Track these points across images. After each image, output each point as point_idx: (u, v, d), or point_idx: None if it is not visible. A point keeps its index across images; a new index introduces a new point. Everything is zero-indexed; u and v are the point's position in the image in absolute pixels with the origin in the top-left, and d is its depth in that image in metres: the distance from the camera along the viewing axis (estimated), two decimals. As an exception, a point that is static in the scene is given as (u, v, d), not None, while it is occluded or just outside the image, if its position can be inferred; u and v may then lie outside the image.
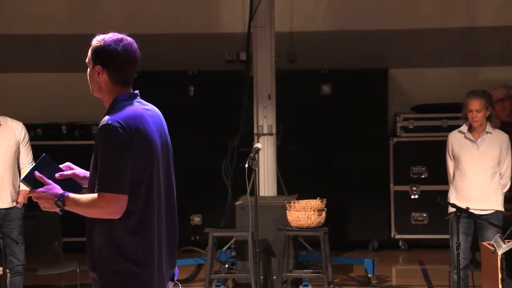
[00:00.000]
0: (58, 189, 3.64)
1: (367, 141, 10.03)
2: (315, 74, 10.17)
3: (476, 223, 6.68)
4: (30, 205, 7.09)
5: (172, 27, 10.60)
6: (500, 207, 6.73)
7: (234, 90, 9.28)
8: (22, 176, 3.72)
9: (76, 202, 3.59)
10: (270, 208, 7.93)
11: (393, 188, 10.11)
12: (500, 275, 5.48)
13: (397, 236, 10.13)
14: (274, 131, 8.58)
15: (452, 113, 9.58)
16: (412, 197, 10.09)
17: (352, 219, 10.11)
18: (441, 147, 7.12)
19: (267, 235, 7.83)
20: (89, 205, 3.56)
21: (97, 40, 3.73)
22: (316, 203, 7.68)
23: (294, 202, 7.73)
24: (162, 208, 3.70)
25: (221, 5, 10.82)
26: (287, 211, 7.69)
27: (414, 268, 9.33)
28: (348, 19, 10.63)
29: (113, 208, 3.53)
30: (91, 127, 10.10)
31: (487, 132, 6.74)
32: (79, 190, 3.70)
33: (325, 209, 7.71)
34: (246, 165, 6.36)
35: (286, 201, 7.79)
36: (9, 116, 7.07)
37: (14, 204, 6.94)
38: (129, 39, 3.75)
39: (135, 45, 3.75)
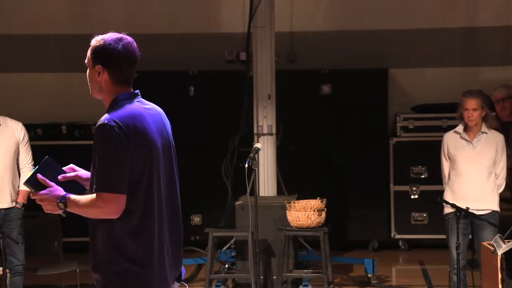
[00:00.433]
0: (60, 191, 3.64)
1: (367, 141, 10.03)
2: (315, 74, 10.17)
3: (472, 223, 6.68)
4: (30, 205, 7.10)
5: (172, 27, 10.60)
6: (497, 207, 6.73)
7: (234, 90, 9.28)
8: (25, 178, 3.71)
9: (76, 203, 3.59)
10: (270, 208, 7.93)
11: (393, 188, 10.11)
12: (500, 275, 5.47)
13: (397, 236, 10.13)
14: (274, 131, 8.58)
15: (452, 113, 9.47)
16: (412, 197, 10.09)
17: (352, 219, 10.11)
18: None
19: (267, 235, 7.82)
20: (88, 205, 3.56)
21: (97, 40, 3.72)
22: (316, 203, 7.68)
23: (294, 202, 7.73)
24: (163, 207, 3.68)
25: (221, 5, 10.82)
26: (287, 211, 7.69)
27: (414, 268, 9.33)
28: (348, 19, 10.63)
29: (111, 208, 3.52)
30: (91, 127, 10.09)
31: (482, 132, 6.74)
32: (82, 191, 3.70)
33: (325, 209, 7.71)
34: (246, 165, 6.36)
35: (286, 201, 7.78)
36: (9, 116, 7.08)
37: (14, 204, 6.94)
38: (129, 38, 3.73)
39: (134, 44, 3.74)
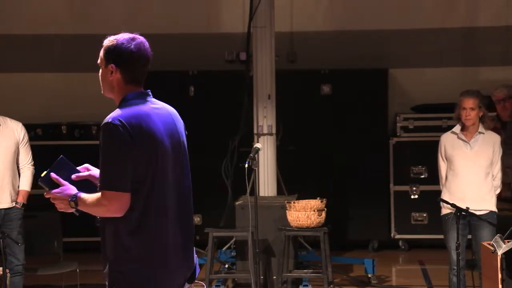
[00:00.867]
0: (72, 190, 3.68)
1: (367, 141, 10.03)
2: (315, 74, 10.17)
3: (470, 224, 6.68)
4: (30, 205, 7.11)
5: (172, 27, 10.60)
6: (494, 208, 6.73)
7: (234, 90, 9.28)
8: (40, 177, 3.74)
9: (84, 202, 3.63)
10: (270, 208, 7.93)
11: (393, 188, 10.11)
12: (500, 275, 5.47)
13: (397, 236, 10.13)
14: (274, 131, 8.58)
15: (452, 113, 9.50)
16: (412, 197, 10.09)
17: (352, 219, 10.11)
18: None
19: (267, 235, 7.82)
20: (94, 204, 3.59)
21: (109, 40, 3.74)
22: (316, 203, 7.68)
23: (294, 202, 7.73)
24: (168, 207, 3.68)
25: (221, 5, 10.83)
26: (287, 211, 7.68)
27: (414, 268, 9.33)
28: (348, 19, 10.63)
29: (114, 206, 3.55)
30: (91, 127, 10.09)
31: (480, 133, 6.74)
32: (95, 190, 3.72)
33: (325, 209, 7.71)
34: (246, 165, 6.36)
35: (286, 201, 7.78)
36: (9, 116, 7.08)
37: (14, 204, 6.94)
38: (141, 38, 3.77)
39: (147, 44, 3.78)
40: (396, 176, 10.09)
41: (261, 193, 8.35)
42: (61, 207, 3.68)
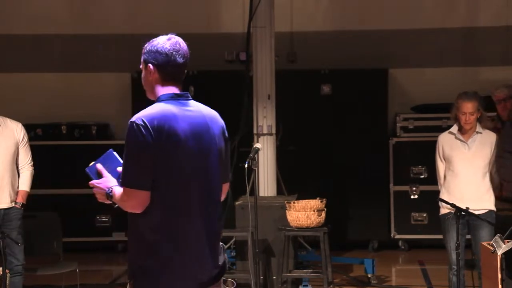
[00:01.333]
0: (111, 183, 3.75)
1: (367, 141, 10.03)
2: (315, 74, 10.17)
3: (469, 223, 6.68)
4: (29, 205, 7.11)
5: (172, 27, 10.49)
6: (493, 207, 6.73)
7: (234, 90, 9.28)
8: (88, 166, 3.79)
9: (115, 195, 3.71)
10: (270, 208, 7.93)
11: (393, 188, 10.12)
12: (500, 275, 5.47)
13: (397, 236, 10.14)
14: (274, 131, 8.59)
15: (452, 113, 9.58)
16: (412, 197, 10.10)
17: (352, 219, 10.11)
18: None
19: (267, 235, 7.82)
20: (120, 198, 3.68)
21: (148, 42, 3.86)
22: (316, 203, 7.68)
23: (294, 202, 7.72)
24: (190, 207, 3.70)
25: (221, 5, 10.83)
26: (287, 211, 7.68)
27: (414, 268, 9.33)
28: (348, 19, 10.63)
29: (132, 202, 3.63)
30: (91, 127, 10.08)
31: (477, 133, 6.74)
32: None
33: (325, 209, 7.71)
34: (246, 165, 6.36)
35: (286, 201, 7.78)
36: (9, 116, 7.08)
37: (13, 204, 6.94)
38: (177, 37, 3.91)
39: (183, 43, 3.93)
40: (396, 176, 10.10)
41: (261, 193, 8.35)
42: (100, 197, 3.78)
